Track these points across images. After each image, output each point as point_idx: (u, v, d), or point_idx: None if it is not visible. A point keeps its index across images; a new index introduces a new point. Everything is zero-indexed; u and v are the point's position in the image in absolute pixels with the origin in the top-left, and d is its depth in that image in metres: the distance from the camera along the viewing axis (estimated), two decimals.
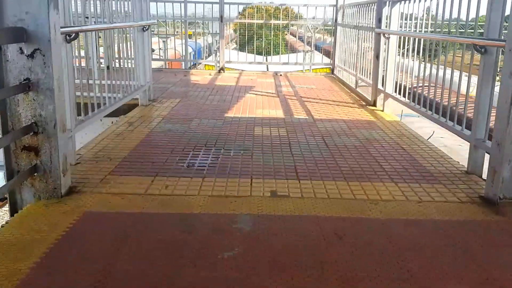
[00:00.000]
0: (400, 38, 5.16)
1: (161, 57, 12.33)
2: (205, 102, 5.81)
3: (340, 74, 8.34)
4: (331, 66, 8.95)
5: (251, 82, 7.75)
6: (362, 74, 6.56)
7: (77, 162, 3.27)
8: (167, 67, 9.35)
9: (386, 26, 5.45)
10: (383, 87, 5.52)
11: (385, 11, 5.47)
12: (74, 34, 3.07)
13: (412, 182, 3.07)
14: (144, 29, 5.27)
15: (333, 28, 8.83)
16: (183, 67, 9.03)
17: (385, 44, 5.46)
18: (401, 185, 3.00)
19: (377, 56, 5.68)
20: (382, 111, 5.48)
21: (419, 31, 4.63)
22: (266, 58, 16.09)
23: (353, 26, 7.13)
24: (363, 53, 6.49)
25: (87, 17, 4.13)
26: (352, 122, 4.89)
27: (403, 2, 5.05)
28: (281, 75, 8.70)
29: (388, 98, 5.40)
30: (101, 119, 4.26)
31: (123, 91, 4.50)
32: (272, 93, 6.64)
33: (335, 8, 8.64)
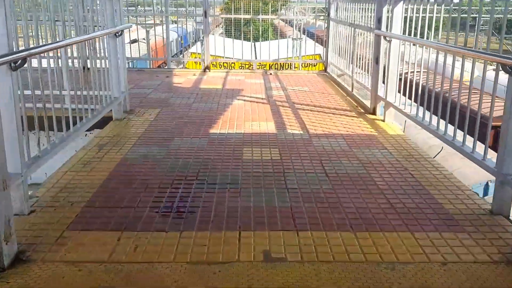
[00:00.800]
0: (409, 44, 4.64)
1: (143, 56, 11.73)
2: (187, 112, 5.26)
3: (334, 73, 7.81)
4: (323, 62, 8.41)
5: (238, 84, 7.19)
6: (359, 77, 6.03)
7: (31, 210, 2.73)
8: (151, 57, 8.73)
9: (387, 28, 4.93)
10: (383, 94, 5.01)
11: (386, 10, 4.94)
12: (20, 60, 2.50)
13: (431, 231, 2.58)
14: (117, 34, 4.69)
15: (325, 22, 8.27)
16: (167, 67, 8.41)
17: (386, 47, 4.94)
18: (419, 236, 2.51)
19: (376, 60, 5.16)
20: (383, 121, 4.99)
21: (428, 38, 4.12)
22: (254, 45, 15.50)
23: (349, 23, 6.58)
24: (361, 55, 5.96)
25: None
26: (351, 137, 4.38)
27: (407, 1, 4.51)
28: (271, 73, 8.15)
29: (390, 107, 4.89)
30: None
31: (91, 113, 3.94)
32: (262, 99, 6.10)
33: (327, 0, 8.07)
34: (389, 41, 4.79)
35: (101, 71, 4.43)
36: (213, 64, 11.01)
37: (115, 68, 4.71)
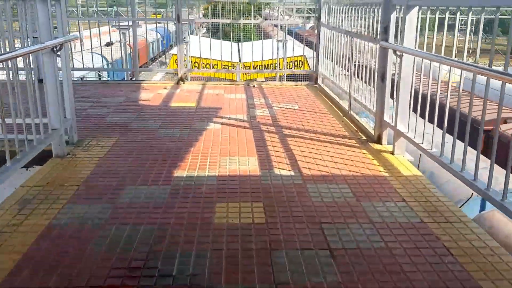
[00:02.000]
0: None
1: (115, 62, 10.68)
2: (150, 143, 4.24)
3: (327, 86, 6.86)
4: (313, 72, 7.44)
5: (216, 99, 6.19)
6: (359, 95, 5.08)
7: None
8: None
9: (396, 39, 3.97)
10: (392, 120, 4.07)
11: (395, 17, 3.99)
12: None
13: None
14: (55, 49, 3.64)
15: (315, 27, 7.31)
16: (135, 79, 7.35)
17: (395, 63, 3.99)
18: None
19: (382, 78, 4.21)
20: (392, 153, 4.03)
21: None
22: (238, 45, 14.48)
23: (345, 31, 5.62)
24: (361, 69, 5.00)
25: None
26: (357, 181, 3.41)
27: (425, 7, 3.56)
28: (254, 86, 7.16)
29: (400, 138, 3.95)
30: None
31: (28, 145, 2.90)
32: (243, 121, 5.11)
33: (317, 2, 7.09)
34: (400, 56, 3.84)
35: (33, 95, 3.40)
36: (195, 66, 10.27)
37: (53, 92, 3.67)
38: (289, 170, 3.63)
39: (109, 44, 18.89)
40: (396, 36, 4.05)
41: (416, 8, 3.66)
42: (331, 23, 6.35)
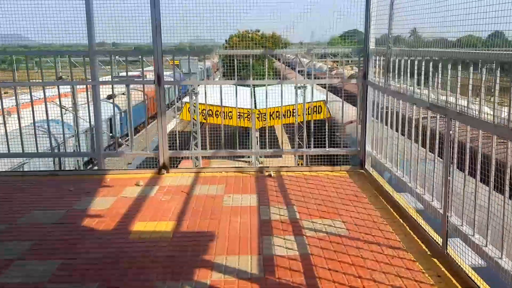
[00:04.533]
0: None
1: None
2: None
3: (379, 170, 4.50)
4: (357, 151, 5.06)
5: (210, 211, 3.84)
6: (469, 227, 2.68)
7: None
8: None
9: None
10: None
11: None
12: None
13: None
14: None
15: (358, 87, 4.99)
16: (98, 167, 5.07)
17: None
18: None
19: None
20: None
21: None
22: (254, 91, 12.62)
23: (421, 100, 3.28)
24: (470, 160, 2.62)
25: None
26: None
27: None
28: (270, 175, 4.80)
29: None
30: None
31: None
32: (250, 279, 2.72)
33: (364, 50, 4.76)
34: None
35: None
36: (209, 114, 9.42)
37: None
38: None
39: (111, 97, 16.93)
40: None
41: None
42: (391, 86, 4.01)
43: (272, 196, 4.17)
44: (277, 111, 12.56)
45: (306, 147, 5.87)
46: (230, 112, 10.31)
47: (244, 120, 11.13)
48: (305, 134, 5.85)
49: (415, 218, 3.49)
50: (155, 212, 3.83)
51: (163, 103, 4.85)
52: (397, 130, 3.99)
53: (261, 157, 12.20)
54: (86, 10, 4.68)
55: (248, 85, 5.54)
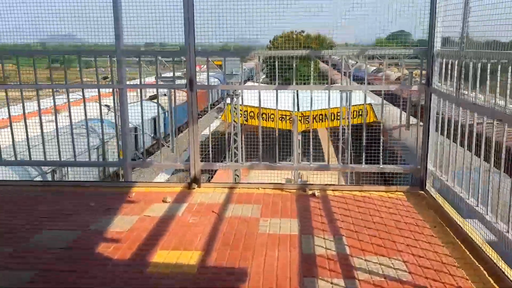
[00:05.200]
0: None
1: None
2: None
3: (446, 194, 3.81)
4: (413, 168, 4.36)
5: (242, 240, 3.28)
6: None
7: None
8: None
9: None
10: None
11: None
12: None
13: None
14: None
15: (418, 93, 4.31)
16: (125, 179, 4.61)
17: None
18: None
19: None
20: None
21: None
22: (297, 94, 12.13)
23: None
24: None
25: None
26: None
27: None
28: (314, 194, 4.19)
29: None
30: None
31: None
32: None
33: (427, 51, 4.05)
34: None
35: None
36: (250, 116, 9.02)
37: None
38: None
39: (153, 97, 16.69)
40: None
41: None
42: (465, 95, 3.32)
43: (316, 222, 3.56)
44: (321, 114, 11.80)
45: (349, 158, 5.25)
46: (272, 114, 9.92)
47: (286, 122, 10.70)
48: (349, 140, 5.21)
49: (494, 259, 2.81)
50: (180, 238, 3.31)
51: (195, 110, 4.34)
52: (469, 149, 3.30)
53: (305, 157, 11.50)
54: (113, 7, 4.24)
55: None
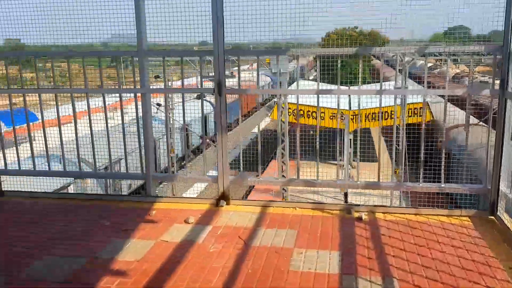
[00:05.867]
0: None
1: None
2: None
3: None
4: (484, 189, 3.62)
5: (270, 279, 2.72)
6: None
7: None
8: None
9: None
10: None
11: None
12: None
13: None
14: None
15: (492, 98, 3.56)
16: (147, 192, 4.16)
17: None
18: None
19: None
20: None
21: None
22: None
23: None
24: None
25: None
26: None
27: None
28: (361, 218, 3.55)
29: None
30: None
31: None
32: None
33: (502, 49, 3.32)
34: None
35: None
36: (301, 114, 9.41)
37: None
38: None
39: (200, 97, 16.46)
40: None
41: None
42: None
43: (362, 257, 2.93)
44: (373, 113, 11.05)
45: (403, 174, 4.56)
46: (322, 112, 9.66)
47: (336, 121, 10.14)
48: (404, 152, 4.54)
49: None
50: (197, 273, 2.79)
51: (224, 118, 3.81)
52: None
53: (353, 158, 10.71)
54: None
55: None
